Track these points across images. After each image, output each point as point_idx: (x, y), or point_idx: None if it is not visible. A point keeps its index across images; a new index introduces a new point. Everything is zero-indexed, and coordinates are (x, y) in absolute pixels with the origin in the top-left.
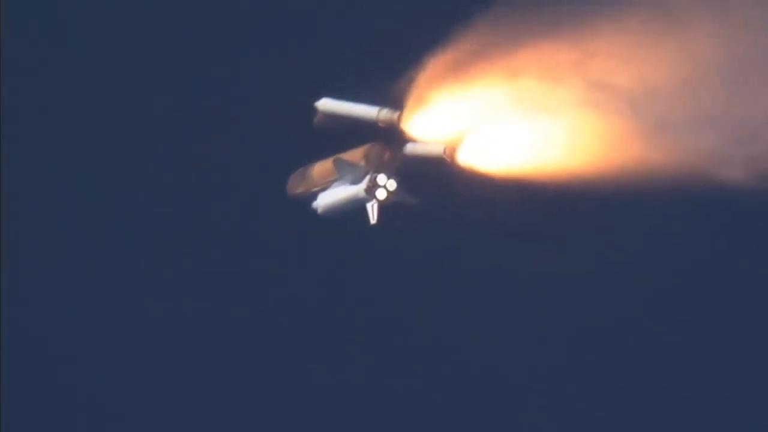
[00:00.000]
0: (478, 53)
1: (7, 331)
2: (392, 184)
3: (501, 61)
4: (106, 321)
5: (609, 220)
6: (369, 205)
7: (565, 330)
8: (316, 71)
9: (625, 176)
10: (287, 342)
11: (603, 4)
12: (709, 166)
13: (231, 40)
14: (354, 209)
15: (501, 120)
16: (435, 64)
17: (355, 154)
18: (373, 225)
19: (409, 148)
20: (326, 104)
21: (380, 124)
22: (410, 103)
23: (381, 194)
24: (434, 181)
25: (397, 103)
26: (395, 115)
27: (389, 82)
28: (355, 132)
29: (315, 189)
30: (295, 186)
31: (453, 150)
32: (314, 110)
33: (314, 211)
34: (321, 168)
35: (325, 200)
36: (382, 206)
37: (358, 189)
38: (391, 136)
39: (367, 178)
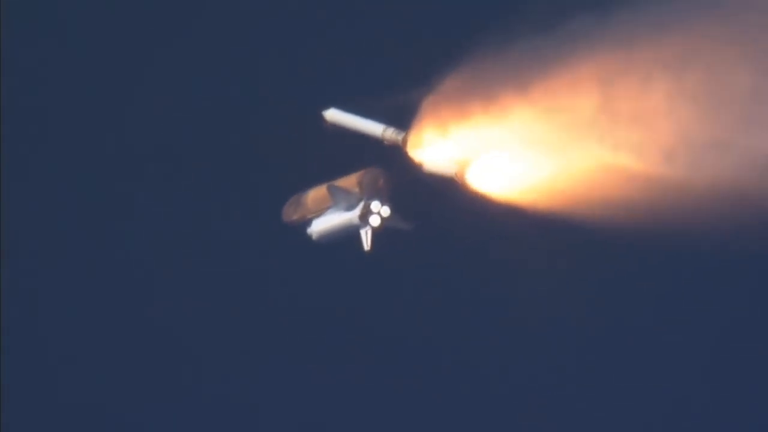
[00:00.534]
0: (486, 83)
1: (7, 331)
2: (386, 211)
3: (510, 92)
4: (106, 321)
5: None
6: (363, 232)
7: (566, 330)
8: (326, 81)
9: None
10: (287, 342)
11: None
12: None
13: (242, 44)
14: (348, 235)
15: (506, 147)
16: (444, 91)
17: (349, 181)
18: (367, 252)
19: (424, 167)
20: (333, 114)
21: (384, 143)
22: (417, 125)
23: (375, 221)
24: (439, 200)
25: (403, 124)
26: (400, 136)
27: (399, 102)
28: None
29: (310, 216)
30: (291, 213)
31: (463, 172)
32: (321, 118)
33: (309, 237)
34: (315, 195)
35: (319, 226)
36: (376, 233)
37: (352, 215)
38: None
39: (361, 204)
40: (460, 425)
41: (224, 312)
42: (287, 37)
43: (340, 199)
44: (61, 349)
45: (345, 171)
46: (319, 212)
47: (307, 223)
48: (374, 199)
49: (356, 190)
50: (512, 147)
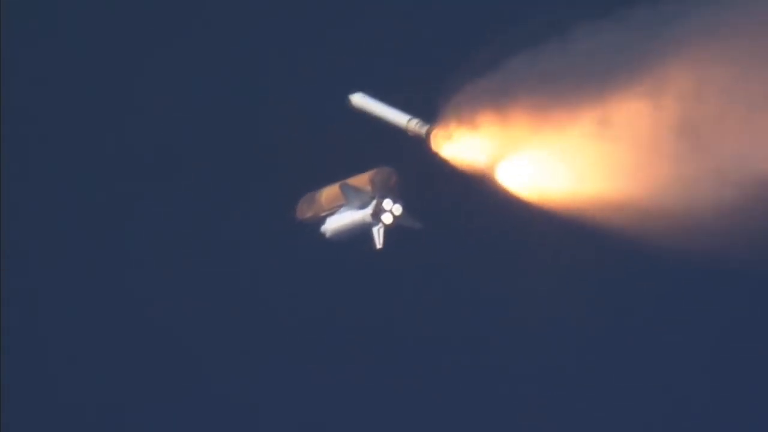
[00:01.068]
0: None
1: (7, 331)
2: (398, 209)
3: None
4: (106, 321)
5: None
6: (375, 230)
7: (566, 330)
8: (355, 70)
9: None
10: (287, 342)
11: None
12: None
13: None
14: (361, 233)
15: (532, 146)
16: (474, 90)
17: (361, 179)
18: (379, 250)
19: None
20: (359, 99)
21: (408, 134)
22: (444, 119)
23: (387, 218)
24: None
25: (430, 117)
26: (424, 129)
27: (428, 94)
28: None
29: (323, 214)
30: (304, 211)
31: (492, 168)
32: (348, 102)
33: (322, 235)
34: (328, 193)
35: (332, 225)
36: (388, 231)
37: (364, 213)
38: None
39: (374, 202)
40: (460, 425)
41: (224, 312)
42: (308, 27)
43: (352, 198)
44: (61, 349)
45: (358, 169)
46: (333, 210)
47: (321, 221)
48: (386, 197)
49: (368, 188)
50: (541, 149)
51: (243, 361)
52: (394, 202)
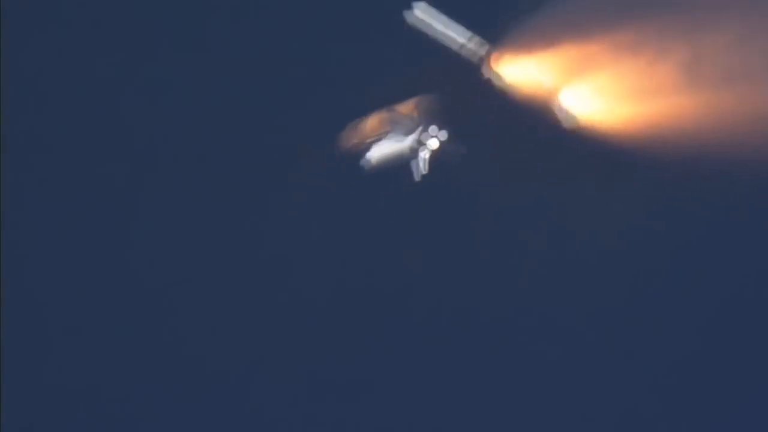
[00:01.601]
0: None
1: (7, 331)
2: (444, 135)
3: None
4: (106, 321)
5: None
6: (415, 163)
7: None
8: None
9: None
10: (289, 341)
11: None
12: None
13: None
14: (406, 160)
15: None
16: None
17: (406, 106)
18: (418, 181)
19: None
20: (422, 10)
21: (463, 52)
22: (503, 44)
23: (433, 144)
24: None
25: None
26: (483, 49)
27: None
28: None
29: (368, 140)
30: (350, 138)
31: (554, 94)
32: (411, 11)
33: (367, 163)
34: (374, 120)
35: (377, 152)
36: (431, 159)
37: (411, 139)
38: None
39: (419, 129)
40: (460, 425)
41: (225, 311)
42: None
43: (398, 124)
44: (61, 349)
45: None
46: (378, 137)
47: (366, 148)
48: (432, 124)
49: (414, 114)
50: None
51: (244, 361)
52: (440, 128)
